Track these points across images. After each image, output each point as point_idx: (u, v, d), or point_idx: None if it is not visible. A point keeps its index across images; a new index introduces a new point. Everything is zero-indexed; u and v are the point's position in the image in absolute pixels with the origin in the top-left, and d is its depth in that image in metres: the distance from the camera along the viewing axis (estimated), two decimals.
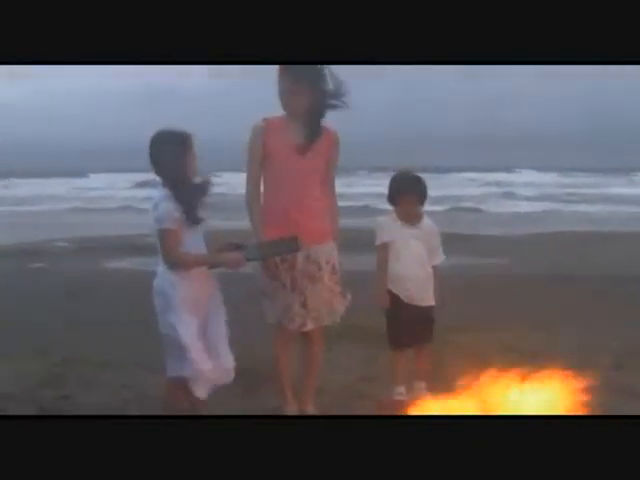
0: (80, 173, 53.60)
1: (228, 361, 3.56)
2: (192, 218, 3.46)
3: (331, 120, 4.04)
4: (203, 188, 3.52)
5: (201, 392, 3.47)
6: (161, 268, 3.51)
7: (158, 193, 3.51)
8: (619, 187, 35.39)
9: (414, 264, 4.32)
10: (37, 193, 35.17)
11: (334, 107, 3.99)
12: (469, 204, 27.25)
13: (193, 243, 3.50)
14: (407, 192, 4.31)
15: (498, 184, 37.86)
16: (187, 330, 3.42)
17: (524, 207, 26.52)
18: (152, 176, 3.60)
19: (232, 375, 3.59)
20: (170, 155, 3.44)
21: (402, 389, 4.34)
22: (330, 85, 3.95)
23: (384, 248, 4.35)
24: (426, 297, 4.36)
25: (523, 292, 8.03)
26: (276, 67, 3.90)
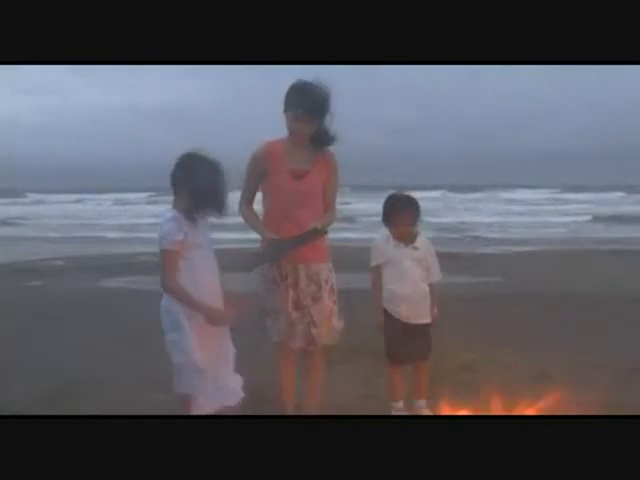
0: (80, 191, 53.81)
1: (235, 381, 3.63)
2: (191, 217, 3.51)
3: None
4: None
5: (207, 409, 3.51)
6: None
7: (167, 214, 3.56)
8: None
9: (408, 284, 4.38)
10: (35, 211, 35.26)
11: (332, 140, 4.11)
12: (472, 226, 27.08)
13: (206, 264, 3.58)
14: (400, 213, 4.37)
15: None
16: (194, 348, 3.47)
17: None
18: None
19: (240, 395, 3.64)
20: (206, 181, 3.47)
21: (400, 404, 4.41)
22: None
23: (378, 270, 4.43)
24: (421, 315, 4.41)
25: (521, 309, 8.08)
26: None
